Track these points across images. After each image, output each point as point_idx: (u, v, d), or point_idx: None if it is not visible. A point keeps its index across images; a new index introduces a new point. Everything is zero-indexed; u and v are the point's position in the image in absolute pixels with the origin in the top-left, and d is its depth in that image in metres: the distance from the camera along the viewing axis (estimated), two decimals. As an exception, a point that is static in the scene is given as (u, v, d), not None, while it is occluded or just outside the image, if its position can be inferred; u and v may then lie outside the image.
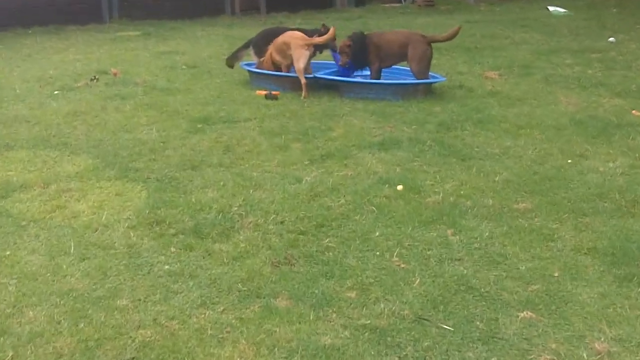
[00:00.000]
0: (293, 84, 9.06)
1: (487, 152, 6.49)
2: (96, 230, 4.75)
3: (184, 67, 10.83)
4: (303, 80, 8.67)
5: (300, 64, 8.79)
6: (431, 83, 8.92)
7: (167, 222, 4.82)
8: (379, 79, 9.08)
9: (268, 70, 9.28)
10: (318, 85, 8.99)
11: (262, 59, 9.56)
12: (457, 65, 10.82)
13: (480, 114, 7.80)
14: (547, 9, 18.08)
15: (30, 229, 4.84)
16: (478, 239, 4.63)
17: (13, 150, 6.57)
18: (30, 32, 14.03)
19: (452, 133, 7.10)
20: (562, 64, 11.02)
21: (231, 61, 10.04)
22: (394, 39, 8.97)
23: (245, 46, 9.91)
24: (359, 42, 8.91)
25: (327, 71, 9.29)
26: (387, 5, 20.75)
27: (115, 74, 10.07)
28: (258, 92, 9.07)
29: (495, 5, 20.91)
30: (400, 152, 6.46)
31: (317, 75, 8.97)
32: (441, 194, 5.36)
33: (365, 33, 9.17)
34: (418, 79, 8.76)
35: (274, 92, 8.91)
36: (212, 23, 16.25)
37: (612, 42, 13.15)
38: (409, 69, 9.06)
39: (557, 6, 18.27)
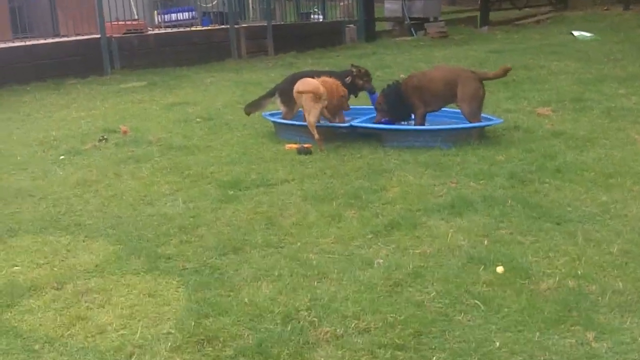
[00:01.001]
0: (326, 135, 7.97)
1: (584, 211, 5.40)
2: (131, 357, 3.60)
3: (198, 120, 9.76)
4: (316, 136, 7.62)
5: (311, 117, 7.72)
6: (486, 126, 7.82)
7: (221, 339, 3.72)
8: (424, 124, 8.00)
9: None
10: (355, 135, 7.90)
11: (291, 109, 8.51)
12: (501, 101, 9.77)
13: (553, 161, 6.72)
14: (572, 34, 17.12)
15: (46, 355, 3.70)
16: (632, 346, 3.48)
17: (17, 236, 5.49)
18: (28, 88, 12.95)
19: (530, 187, 6.02)
20: (615, 94, 10.00)
21: (250, 109, 8.99)
22: (439, 77, 7.92)
23: (270, 94, 8.85)
24: (392, 94, 7.86)
25: (365, 117, 8.19)
26: (398, 39, 19.82)
27: (125, 132, 9.02)
28: (288, 146, 8.00)
29: (512, 33, 20.02)
30: (478, 217, 5.37)
31: (354, 123, 7.87)
32: (556, 277, 4.27)
33: (400, 81, 8.10)
34: (470, 122, 7.68)
35: (306, 145, 7.84)
36: (219, 68, 15.24)
37: (657, 67, 12.09)
38: (457, 110, 8.00)
39: (581, 30, 17.28)
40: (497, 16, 23.50)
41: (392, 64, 14.51)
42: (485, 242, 4.89)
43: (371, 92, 8.51)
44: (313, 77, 8.47)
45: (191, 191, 6.47)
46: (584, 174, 6.34)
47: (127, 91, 12.57)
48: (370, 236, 5.16)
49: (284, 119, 8.59)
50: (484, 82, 7.92)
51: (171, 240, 5.25)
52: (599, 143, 7.43)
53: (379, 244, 5.00)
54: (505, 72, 7.92)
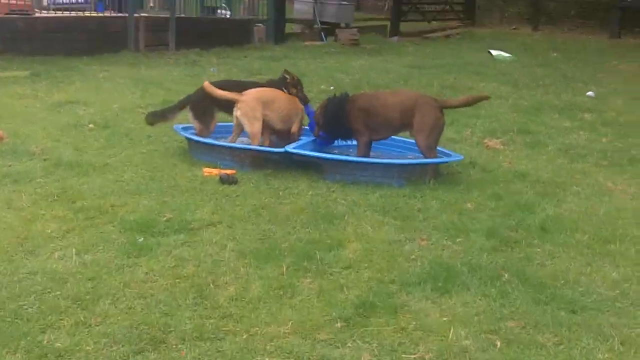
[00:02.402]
0: (254, 160, 6.59)
1: (598, 294, 4.36)
2: None
3: (91, 126, 8.18)
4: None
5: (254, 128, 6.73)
6: (445, 162, 6.64)
7: None
8: (368, 155, 6.74)
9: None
10: (289, 162, 6.57)
11: (208, 125, 7.08)
12: (442, 128, 8.57)
13: (532, 214, 5.67)
14: (490, 52, 16.31)
15: None
16: None
17: None
18: None
19: (518, 252, 4.94)
20: (561, 127, 9.16)
21: (154, 120, 7.48)
22: (395, 102, 6.69)
23: (180, 106, 7.36)
24: (334, 111, 6.58)
25: (302, 141, 6.85)
26: (308, 43, 18.55)
27: (1, 138, 7.28)
28: (207, 171, 6.58)
29: (423, 46, 19.11)
30: (471, 297, 4.19)
31: (290, 149, 6.52)
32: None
33: (348, 94, 6.81)
34: (426, 156, 6.48)
35: (228, 172, 6.43)
36: (113, 61, 13.49)
37: (591, 97, 11.39)
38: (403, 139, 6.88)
39: (497, 49, 16.54)
40: (406, 27, 22.63)
41: (308, 71, 13.21)
42: (498, 343, 3.67)
43: (305, 103, 7.17)
44: (235, 87, 7.14)
45: (87, 234, 4.97)
46: (575, 236, 5.26)
47: (5, 82, 10.71)
48: (339, 324, 3.85)
49: (198, 135, 7.11)
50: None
51: (62, 321, 3.75)
52: (571, 191, 6.40)
53: (355, 339, 3.71)
54: (474, 101, 6.76)
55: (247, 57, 15.28)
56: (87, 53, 13.40)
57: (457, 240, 5.10)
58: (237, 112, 6.82)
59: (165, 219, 5.30)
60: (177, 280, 4.30)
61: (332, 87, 11.47)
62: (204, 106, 7.14)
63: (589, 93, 11.62)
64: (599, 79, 13.35)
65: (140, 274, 4.36)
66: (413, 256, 4.77)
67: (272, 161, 6.69)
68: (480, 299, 4.16)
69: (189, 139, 7.08)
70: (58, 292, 4.06)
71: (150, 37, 15.13)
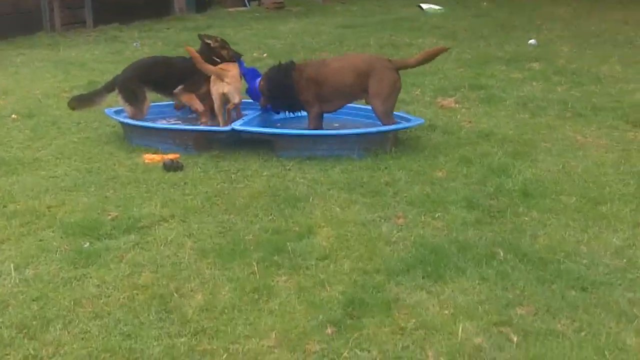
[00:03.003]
0: (198, 141, 6.01)
1: (605, 265, 3.94)
2: None
3: (14, 116, 7.40)
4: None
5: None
6: (407, 128, 6.18)
7: None
8: (320, 127, 6.22)
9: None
10: (235, 140, 6.02)
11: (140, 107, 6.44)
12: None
13: (508, 177, 5.28)
14: (420, 7, 15.89)
15: None
16: None
17: None
18: None
19: (506, 224, 4.53)
20: (512, 79, 8.82)
21: (78, 104, 6.78)
22: (346, 67, 6.16)
23: (108, 88, 6.67)
24: (280, 78, 6.03)
25: (250, 116, 6.29)
26: (231, 9, 17.85)
27: None
28: (147, 157, 5.98)
29: (349, 4, 18.58)
30: (469, 282, 3.81)
31: (237, 126, 5.95)
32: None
33: (294, 63, 6.25)
34: (384, 123, 6.00)
35: (171, 157, 5.83)
36: (29, 44, 12.56)
37: (534, 45, 11.09)
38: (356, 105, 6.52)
39: (430, 3, 16.14)
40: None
41: (237, 39, 12.53)
42: (514, 338, 3.23)
43: (238, 59, 6.66)
44: (164, 64, 6.53)
45: (24, 244, 4.34)
46: (562, 199, 4.88)
47: None
48: (329, 330, 3.36)
49: (132, 119, 6.46)
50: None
51: (8, 357, 3.16)
52: (541, 148, 6.04)
53: (352, 347, 3.22)
54: (432, 57, 6.27)
55: (170, 29, 14.54)
56: (-1, 36, 12.44)
57: (436, 215, 4.66)
58: (225, 88, 6.23)
59: (110, 217, 4.70)
60: (135, 291, 3.73)
61: (265, 55, 10.92)
62: (134, 87, 6.47)
63: (531, 41, 11.34)
64: (537, 27, 13.11)
65: (91, 287, 3.77)
66: (394, 238, 4.30)
67: (218, 141, 6.10)
68: (479, 284, 3.73)
69: (123, 123, 6.41)
70: (1, 320, 3.43)
71: (66, 16, 14.19)
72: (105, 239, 4.40)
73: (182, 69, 6.46)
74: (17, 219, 4.72)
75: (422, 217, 4.63)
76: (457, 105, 7.55)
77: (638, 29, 12.45)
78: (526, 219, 4.57)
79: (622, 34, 11.94)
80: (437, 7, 15.76)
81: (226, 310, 3.52)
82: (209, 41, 6.52)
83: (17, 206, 4.94)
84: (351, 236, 4.36)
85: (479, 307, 3.51)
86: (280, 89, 6.09)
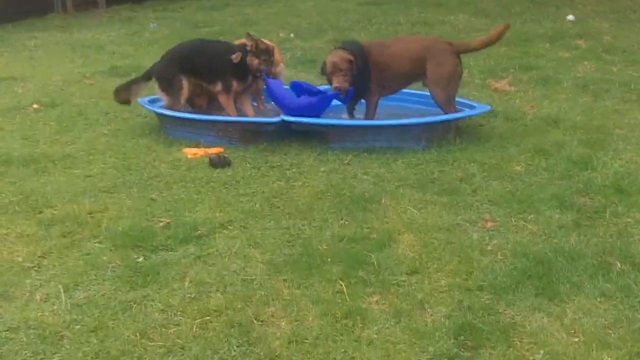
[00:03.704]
0: (244, 134, 5.50)
1: None
2: None
3: (35, 106, 6.87)
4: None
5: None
6: (473, 115, 5.66)
7: None
8: (374, 116, 5.70)
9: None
10: (281, 133, 5.52)
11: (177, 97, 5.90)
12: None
13: (596, 172, 4.82)
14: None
15: None
16: None
17: None
18: None
19: (608, 227, 4.11)
20: (561, 58, 8.34)
21: (125, 96, 6.24)
22: (404, 50, 5.65)
23: (145, 77, 6.13)
24: (362, 55, 5.48)
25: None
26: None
27: None
28: (189, 151, 5.47)
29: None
30: (590, 300, 3.33)
31: (286, 117, 5.43)
32: None
33: (360, 44, 5.71)
34: (446, 111, 5.48)
35: (215, 151, 5.33)
36: (41, 26, 11.98)
37: (573, 21, 10.51)
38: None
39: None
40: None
41: (259, 19, 11.99)
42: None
43: (268, 76, 5.93)
44: (204, 50, 6.00)
45: (69, 259, 3.84)
46: (665, 195, 4.32)
47: None
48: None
49: (169, 109, 5.94)
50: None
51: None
52: (617, 135, 5.58)
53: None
54: (497, 38, 5.74)
55: (184, 9, 13.88)
56: (9, 20, 11.84)
57: (528, 217, 4.16)
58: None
59: (161, 225, 4.20)
60: (207, 318, 3.24)
61: (292, 35, 10.36)
62: (171, 75, 5.94)
63: (570, 17, 10.76)
64: (569, 1, 12.47)
65: (155, 313, 3.27)
66: (489, 247, 3.81)
67: (266, 133, 5.58)
68: (601, 302, 3.25)
69: (160, 114, 5.89)
70: (55, 359, 2.94)
71: (78, -5, 13.58)
72: (160, 250, 3.90)
73: (224, 54, 5.90)
74: (57, 227, 4.23)
75: (513, 220, 4.14)
76: (511, 88, 7.03)
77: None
78: (629, 220, 4.09)
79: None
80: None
81: (319, 342, 3.03)
82: (248, 41, 5.86)
83: (54, 212, 4.44)
84: (438, 244, 3.86)
85: (611, 332, 3.03)
86: (365, 68, 5.52)
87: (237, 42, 6.12)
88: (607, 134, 5.59)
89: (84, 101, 7.09)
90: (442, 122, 5.44)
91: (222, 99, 5.90)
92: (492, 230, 4.04)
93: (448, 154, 5.22)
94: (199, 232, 4.09)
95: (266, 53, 5.76)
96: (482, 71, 7.69)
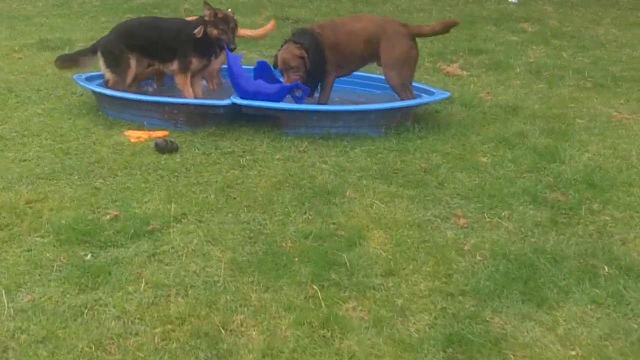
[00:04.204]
0: (191, 117, 5.14)
1: None
2: None
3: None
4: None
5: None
6: (432, 102, 5.45)
7: None
8: (328, 98, 5.43)
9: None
10: (231, 116, 5.20)
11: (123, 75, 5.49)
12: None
13: (564, 164, 4.67)
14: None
15: None
16: None
17: None
18: None
19: (586, 225, 3.93)
20: (509, 42, 8.26)
21: (63, 64, 5.80)
22: (359, 29, 5.36)
23: (92, 50, 5.69)
24: (315, 49, 5.17)
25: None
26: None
27: None
28: (132, 134, 5.10)
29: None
30: (581, 308, 3.17)
31: (236, 100, 5.09)
32: None
33: (312, 28, 5.39)
34: (402, 95, 5.26)
35: (157, 134, 4.98)
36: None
37: (515, 3, 10.44)
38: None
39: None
40: None
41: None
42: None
43: (230, 48, 5.55)
44: (153, 26, 5.60)
45: (10, 256, 3.51)
46: (634, 191, 4.22)
47: None
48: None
49: (112, 89, 5.52)
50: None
51: None
52: (579, 126, 5.45)
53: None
54: (447, 28, 5.51)
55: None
56: None
57: (502, 213, 3.98)
58: None
59: (109, 217, 3.85)
60: (169, 326, 2.93)
61: (229, 10, 9.86)
62: (117, 51, 5.52)
63: (512, -1, 10.64)
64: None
65: (110, 321, 2.95)
66: (466, 247, 3.60)
67: (215, 117, 5.23)
68: (593, 310, 3.07)
69: (100, 93, 5.46)
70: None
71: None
72: (110, 247, 3.56)
73: (176, 33, 5.50)
74: (12, 222, 3.80)
75: (486, 216, 3.93)
76: (464, 73, 6.86)
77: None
78: (607, 218, 3.93)
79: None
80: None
81: (296, 355, 2.76)
82: (207, 11, 5.47)
83: (-16, 204, 4.00)
84: (412, 243, 3.63)
85: (609, 345, 2.84)
86: (318, 57, 5.21)
87: (189, 19, 5.72)
88: (568, 123, 5.45)
89: (13, 77, 6.62)
90: (401, 108, 5.18)
91: (179, 79, 5.52)
92: (465, 227, 3.82)
93: (408, 142, 4.99)
94: (151, 226, 3.75)
95: (225, 22, 5.41)
96: (430, 54, 7.49)
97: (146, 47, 5.51)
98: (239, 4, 10.23)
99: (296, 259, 3.44)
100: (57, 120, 5.42)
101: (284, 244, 3.60)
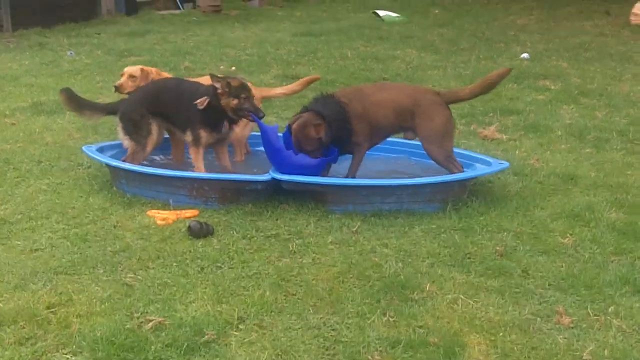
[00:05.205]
0: (225, 193, 4.55)
1: None
2: None
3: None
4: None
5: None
6: (490, 174, 4.93)
7: None
8: (356, 173, 4.89)
9: None
10: (269, 192, 4.62)
11: (146, 142, 4.94)
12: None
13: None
14: (376, 13, 14.67)
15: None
16: None
17: None
18: None
19: None
20: (538, 101, 7.87)
21: (74, 108, 5.30)
22: (387, 99, 4.90)
23: (108, 109, 5.13)
24: (339, 116, 4.62)
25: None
26: (164, 12, 16.16)
27: None
28: (156, 215, 4.49)
29: (288, 9, 17.19)
30: None
31: (276, 174, 4.52)
32: None
33: (335, 97, 4.84)
34: (448, 167, 4.74)
35: (186, 214, 4.39)
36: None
37: (527, 59, 10.07)
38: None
39: (386, 10, 14.93)
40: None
41: (189, 48, 11.01)
42: None
43: (260, 117, 4.96)
44: (178, 88, 5.03)
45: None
46: None
47: None
48: None
49: (128, 160, 4.93)
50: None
51: None
52: (646, 195, 4.86)
53: None
54: (489, 88, 5.01)
55: (102, 34, 12.75)
56: None
57: (608, 309, 3.40)
58: None
59: (151, 325, 3.22)
60: None
61: (233, 68, 9.45)
62: (139, 117, 4.94)
63: (524, 55, 10.32)
64: (514, 37, 12.11)
65: None
66: (585, 355, 2.99)
67: (250, 193, 4.65)
68: None
69: (117, 167, 4.86)
70: None
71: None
72: (158, 366, 2.88)
73: (189, 97, 4.94)
74: (8, 329, 3.17)
75: (590, 313, 3.37)
76: (503, 137, 6.36)
77: (619, 40, 11.64)
78: None
79: (609, 47, 11.07)
80: (394, 15, 14.58)
81: None
82: (217, 82, 4.90)
83: (8, 307, 3.35)
84: (520, 351, 3.07)
85: None
86: (341, 126, 4.68)
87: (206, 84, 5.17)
88: (633, 194, 4.95)
89: (9, 146, 6.00)
90: (459, 181, 4.63)
91: (191, 151, 4.93)
92: (572, 327, 3.26)
93: (470, 219, 4.44)
94: (206, 336, 3.11)
95: (244, 89, 4.84)
96: (461, 115, 6.99)
97: (166, 113, 4.95)
98: (242, 62, 9.73)
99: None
100: (66, 199, 4.80)
101: (369, 357, 3.00)
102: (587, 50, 10.81)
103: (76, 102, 5.22)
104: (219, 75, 4.88)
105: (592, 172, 5.44)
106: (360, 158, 4.92)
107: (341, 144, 4.78)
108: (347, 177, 4.82)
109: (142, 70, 5.35)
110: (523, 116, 6.99)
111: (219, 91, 4.80)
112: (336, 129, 4.63)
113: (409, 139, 5.13)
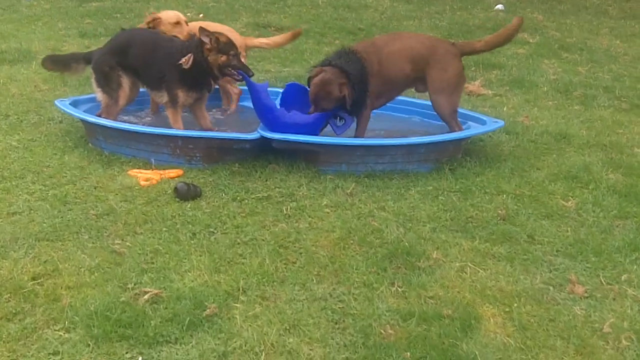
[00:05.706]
0: (210, 152, 4.33)
1: None
2: None
3: None
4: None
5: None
6: (486, 132, 4.78)
7: None
8: (364, 133, 4.69)
9: None
10: (256, 150, 4.44)
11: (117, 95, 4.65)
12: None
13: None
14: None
15: None
16: None
17: None
18: None
19: None
20: (519, 55, 7.67)
21: (53, 65, 5.06)
22: (402, 51, 4.60)
23: (85, 58, 4.81)
24: (362, 77, 4.37)
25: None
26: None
27: None
28: (140, 175, 4.24)
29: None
30: None
31: (266, 132, 4.30)
32: None
33: (358, 52, 4.58)
34: (451, 124, 4.57)
35: (170, 174, 4.16)
36: None
37: (502, 10, 9.90)
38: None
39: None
40: None
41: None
42: None
43: (249, 75, 4.66)
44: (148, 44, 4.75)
45: (30, 363, 2.56)
46: None
47: None
48: None
49: (103, 115, 4.66)
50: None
51: None
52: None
53: None
54: (506, 39, 4.82)
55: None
56: None
57: (620, 277, 3.28)
58: None
59: (147, 297, 2.99)
60: None
61: (201, 15, 9.12)
62: (109, 68, 4.65)
63: (499, 6, 10.14)
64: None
65: None
66: (605, 328, 2.87)
67: (237, 152, 4.42)
68: None
69: (95, 124, 4.59)
70: None
71: None
72: (162, 344, 2.72)
73: (169, 55, 4.63)
74: (-3, 303, 2.92)
75: (602, 281, 3.26)
76: (489, 92, 6.20)
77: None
78: None
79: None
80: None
81: None
82: (204, 36, 4.60)
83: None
84: (538, 324, 2.95)
85: None
86: (362, 83, 4.43)
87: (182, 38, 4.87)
88: (626, 153, 4.88)
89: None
90: (454, 141, 4.47)
91: (169, 112, 4.66)
92: (586, 296, 3.13)
93: (466, 180, 4.31)
94: (208, 309, 2.91)
95: (232, 46, 4.57)
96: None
97: (138, 68, 4.65)
98: (210, 9, 9.36)
99: (408, 354, 2.67)
100: (39, 157, 4.52)
101: (382, 331, 2.84)
102: (561, 2, 10.67)
103: (62, 63, 4.97)
104: (208, 30, 4.59)
105: (583, 130, 5.33)
106: (366, 117, 4.69)
107: (356, 107, 4.52)
108: (355, 135, 4.60)
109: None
110: (506, 70, 6.85)
111: (207, 47, 4.51)
112: (358, 91, 4.38)
113: (419, 92, 4.86)
